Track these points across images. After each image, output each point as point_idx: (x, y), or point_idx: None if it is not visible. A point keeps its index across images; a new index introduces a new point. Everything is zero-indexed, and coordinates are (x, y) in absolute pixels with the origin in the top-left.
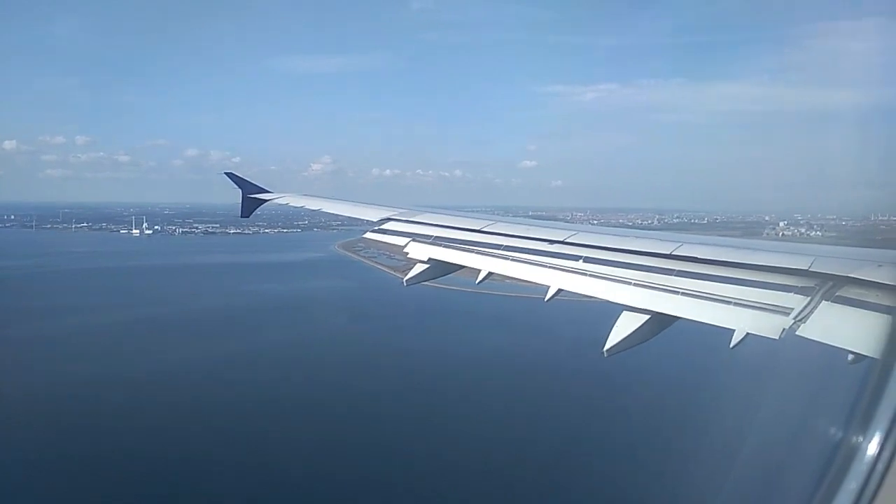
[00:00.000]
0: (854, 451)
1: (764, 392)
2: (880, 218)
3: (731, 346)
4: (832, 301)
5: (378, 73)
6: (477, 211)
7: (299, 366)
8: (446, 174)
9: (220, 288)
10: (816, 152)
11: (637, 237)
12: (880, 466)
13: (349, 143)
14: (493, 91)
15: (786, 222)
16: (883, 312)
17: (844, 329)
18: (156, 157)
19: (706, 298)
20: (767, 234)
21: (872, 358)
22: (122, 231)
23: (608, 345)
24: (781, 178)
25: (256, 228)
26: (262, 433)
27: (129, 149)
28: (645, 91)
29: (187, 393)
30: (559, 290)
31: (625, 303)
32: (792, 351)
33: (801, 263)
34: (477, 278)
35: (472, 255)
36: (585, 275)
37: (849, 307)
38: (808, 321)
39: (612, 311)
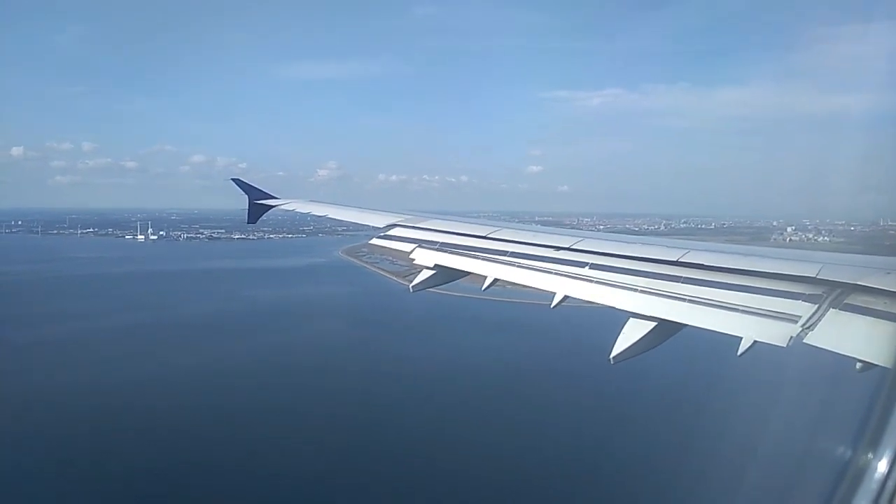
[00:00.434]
0: (866, 462)
1: (772, 400)
2: (889, 223)
3: (739, 353)
4: (840, 309)
5: (383, 79)
6: (483, 217)
7: (297, 372)
8: (452, 180)
9: (218, 293)
10: (824, 156)
11: (643, 244)
12: (891, 484)
13: (355, 149)
14: (498, 96)
15: (794, 227)
16: (891, 320)
17: (853, 337)
18: (163, 163)
19: (713, 306)
20: (775, 239)
21: (881, 366)
22: (127, 237)
23: (615, 352)
24: (789, 183)
25: (261, 234)
26: (261, 438)
27: (135, 155)
28: (650, 96)
29: (182, 398)
30: (565, 297)
31: (631, 310)
32: (800, 359)
33: (808, 271)
34: (483, 284)
35: (479, 261)
36: (592, 281)
37: (857, 315)
38: (815, 329)
39: (618, 317)
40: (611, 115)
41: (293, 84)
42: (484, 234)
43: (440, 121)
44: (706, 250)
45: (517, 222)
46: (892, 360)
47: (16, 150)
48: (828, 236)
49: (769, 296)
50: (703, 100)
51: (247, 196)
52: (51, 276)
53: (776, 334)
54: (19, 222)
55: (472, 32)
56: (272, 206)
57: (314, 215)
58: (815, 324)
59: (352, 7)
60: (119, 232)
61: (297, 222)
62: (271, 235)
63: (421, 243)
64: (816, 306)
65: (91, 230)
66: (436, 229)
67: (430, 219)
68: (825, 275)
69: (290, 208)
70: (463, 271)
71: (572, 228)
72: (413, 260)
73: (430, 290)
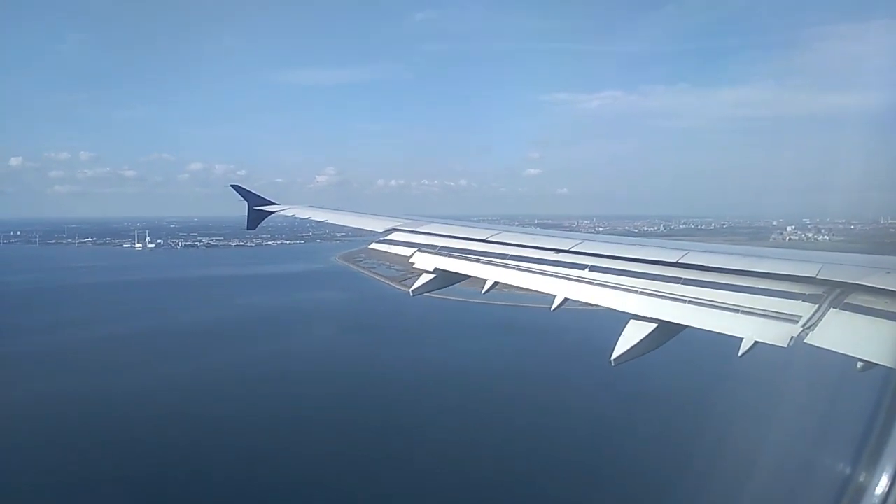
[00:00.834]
0: (869, 475)
1: (773, 400)
2: (889, 221)
3: (740, 354)
4: (841, 309)
5: (382, 84)
6: (482, 220)
7: (295, 378)
8: (451, 183)
9: (213, 300)
10: (823, 156)
11: (643, 245)
12: (891, 499)
13: (354, 154)
14: (497, 100)
15: (793, 227)
16: (892, 320)
17: (853, 337)
18: (161, 171)
19: (713, 307)
20: (775, 238)
21: (882, 366)
22: (124, 245)
23: (616, 354)
24: (788, 183)
25: (259, 240)
26: (261, 445)
27: (134, 163)
28: (649, 97)
29: (180, 406)
30: (565, 300)
31: (632, 311)
32: (801, 359)
33: (808, 271)
34: (483, 288)
35: (478, 264)
36: (592, 283)
37: (858, 315)
38: (816, 329)
39: (618, 319)
40: (610, 117)
41: (292, 90)
42: (483, 238)
43: (439, 125)
44: (706, 251)
45: (517, 225)
46: (893, 359)
47: (14, 161)
48: (828, 235)
49: (769, 296)
50: (702, 100)
51: (246, 202)
52: (48, 285)
53: (777, 335)
54: (18, 232)
55: (471, 37)
56: (271, 212)
57: (313, 221)
58: (815, 324)
59: (352, 13)
60: (117, 241)
61: (296, 228)
62: (269, 242)
63: (421, 247)
64: (817, 306)
65: (89, 239)
66: (435, 233)
67: (429, 223)
68: (825, 274)
69: (290, 214)
70: (463, 275)
71: (572, 231)
72: (413, 264)
73: (430, 293)
